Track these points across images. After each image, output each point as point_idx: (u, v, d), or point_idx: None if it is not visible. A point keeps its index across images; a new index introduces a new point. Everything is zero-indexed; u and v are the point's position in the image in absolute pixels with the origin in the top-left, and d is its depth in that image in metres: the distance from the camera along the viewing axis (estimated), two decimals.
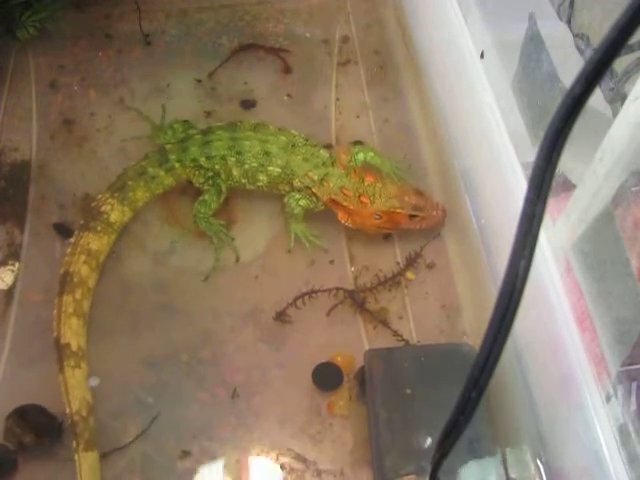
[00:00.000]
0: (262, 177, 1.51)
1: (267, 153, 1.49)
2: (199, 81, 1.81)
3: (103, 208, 1.45)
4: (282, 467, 1.23)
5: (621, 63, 0.97)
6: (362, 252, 1.50)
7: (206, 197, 1.51)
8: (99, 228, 1.43)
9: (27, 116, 1.72)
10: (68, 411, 1.21)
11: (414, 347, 1.36)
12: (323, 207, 1.51)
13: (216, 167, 1.51)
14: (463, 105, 1.53)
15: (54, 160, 1.64)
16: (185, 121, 1.64)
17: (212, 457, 1.24)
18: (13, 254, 1.48)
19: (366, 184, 1.47)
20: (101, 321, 1.40)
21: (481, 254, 1.42)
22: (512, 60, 1.30)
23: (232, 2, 2.00)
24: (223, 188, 1.52)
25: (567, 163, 1.09)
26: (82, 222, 1.43)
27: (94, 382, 1.30)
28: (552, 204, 1.12)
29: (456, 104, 1.58)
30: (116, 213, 1.46)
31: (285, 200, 1.50)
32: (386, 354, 1.30)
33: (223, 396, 1.31)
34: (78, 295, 1.35)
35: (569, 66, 1.11)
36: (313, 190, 1.49)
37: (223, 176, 1.52)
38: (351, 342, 1.37)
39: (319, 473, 1.23)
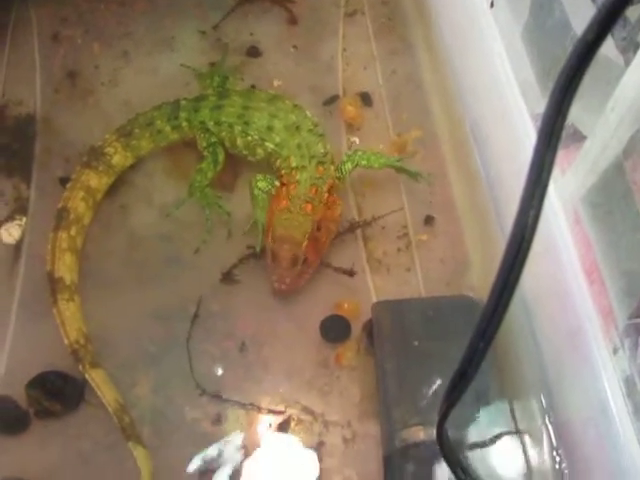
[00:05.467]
0: (259, 151, 1.47)
1: (270, 128, 1.45)
2: (203, 33, 1.78)
3: (107, 150, 1.46)
4: (290, 419, 1.24)
5: (635, 11, 0.95)
6: (370, 204, 1.50)
7: (203, 165, 1.48)
8: (100, 168, 1.45)
9: (30, 70, 1.70)
10: (66, 342, 1.25)
11: (422, 299, 1.36)
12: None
13: (222, 134, 1.49)
14: (472, 56, 1.51)
15: (59, 114, 1.63)
16: (226, 77, 1.63)
17: (221, 409, 1.25)
18: (20, 208, 1.48)
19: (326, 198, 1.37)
20: (109, 274, 1.40)
21: (490, 207, 1.41)
22: (523, 9, 1.28)
23: None
24: (221, 158, 1.49)
25: (578, 114, 1.08)
26: (84, 159, 1.45)
27: None
28: (562, 155, 1.11)
29: (465, 55, 1.56)
30: (118, 157, 1.48)
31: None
32: (394, 306, 1.30)
33: (232, 349, 1.31)
34: (73, 232, 1.37)
35: (581, 14, 1.09)
36: (282, 173, 1.42)
37: (228, 144, 1.50)
38: (359, 294, 1.37)
39: (326, 425, 1.24)
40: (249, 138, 1.46)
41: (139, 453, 1.18)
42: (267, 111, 1.47)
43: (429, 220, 1.47)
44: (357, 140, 1.59)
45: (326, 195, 1.38)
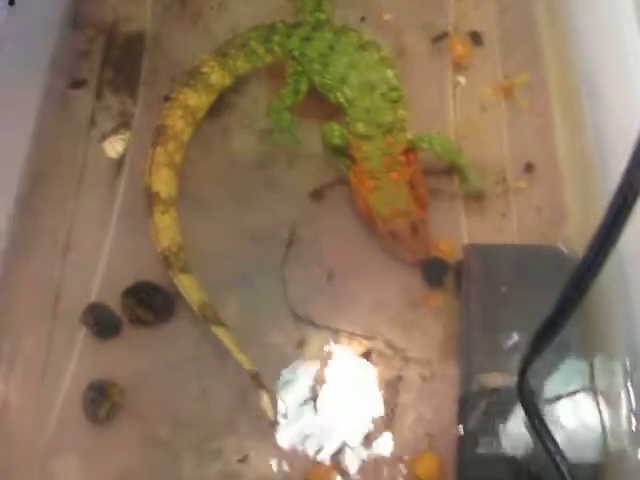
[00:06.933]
0: (331, 96, 1.44)
1: (344, 79, 1.40)
2: None
3: (204, 69, 1.48)
4: (372, 351, 1.26)
5: None
6: (470, 146, 1.46)
7: (284, 91, 1.48)
8: (198, 86, 1.47)
9: None
10: (159, 250, 1.29)
11: (514, 246, 1.35)
12: None
13: (306, 66, 1.47)
14: None
15: (167, 33, 1.65)
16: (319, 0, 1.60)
17: (304, 335, 1.28)
18: (125, 123, 1.52)
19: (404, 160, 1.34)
20: (205, 194, 1.43)
21: (595, 159, 1.36)
22: None
23: None
24: (302, 87, 1.48)
25: None
26: (183, 79, 1.48)
27: None
28: None
29: None
30: (216, 75, 1.49)
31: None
32: (485, 250, 1.29)
33: (320, 276, 1.33)
34: (170, 148, 1.40)
35: None
36: (349, 135, 1.38)
37: (310, 77, 1.48)
38: (451, 234, 1.37)
39: (407, 360, 1.26)
40: (325, 80, 1.44)
41: (220, 331, 1.22)
42: (349, 59, 1.41)
43: (529, 168, 1.44)
44: (463, 80, 1.55)
45: (403, 158, 1.35)
